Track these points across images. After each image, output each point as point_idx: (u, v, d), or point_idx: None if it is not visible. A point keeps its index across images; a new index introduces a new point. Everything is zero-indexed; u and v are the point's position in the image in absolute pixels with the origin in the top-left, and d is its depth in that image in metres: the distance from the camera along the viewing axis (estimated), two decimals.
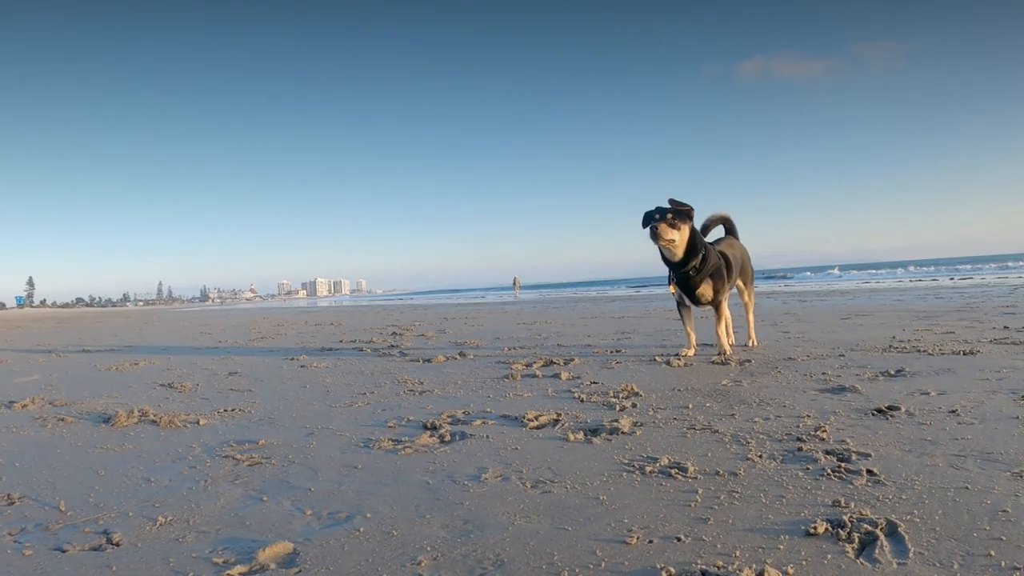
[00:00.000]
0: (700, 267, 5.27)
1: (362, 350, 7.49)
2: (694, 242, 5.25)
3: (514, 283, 57.91)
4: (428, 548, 1.86)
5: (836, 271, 62.07)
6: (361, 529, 2.01)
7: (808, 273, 66.27)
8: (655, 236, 5.12)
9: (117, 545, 1.96)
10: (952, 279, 31.47)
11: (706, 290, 5.32)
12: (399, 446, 2.96)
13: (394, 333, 10.06)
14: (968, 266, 54.71)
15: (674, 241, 5.16)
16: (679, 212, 5.16)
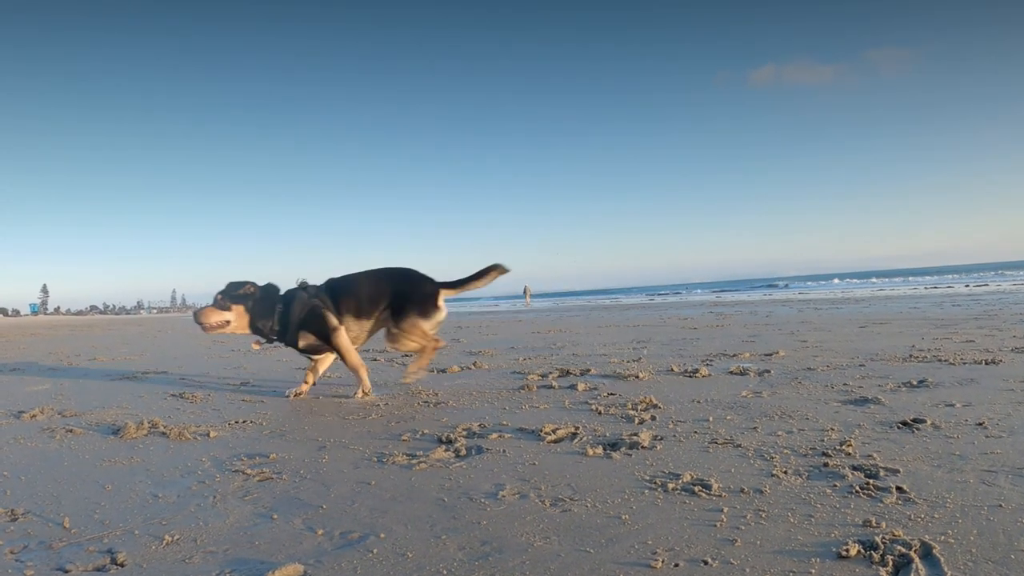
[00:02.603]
0: (281, 326, 4.94)
1: (376, 360, 7.44)
2: (256, 312, 4.93)
3: (525, 292, 57.87)
4: (444, 572, 1.79)
5: (856, 280, 61.52)
6: (374, 551, 1.94)
7: (811, 283, 65.98)
8: (199, 324, 4.89)
9: (121, 566, 1.89)
10: (967, 286, 31.37)
11: (304, 342, 4.94)
12: (413, 461, 2.90)
13: None
14: (992, 272, 54.53)
15: (228, 323, 4.89)
16: (230, 294, 4.92)
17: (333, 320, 4.84)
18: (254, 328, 4.93)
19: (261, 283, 5.01)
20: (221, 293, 4.90)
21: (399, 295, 5.00)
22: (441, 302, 5.04)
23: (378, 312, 5.00)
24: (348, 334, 4.91)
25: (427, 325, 5.00)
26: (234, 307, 4.89)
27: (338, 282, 5.07)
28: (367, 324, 5.01)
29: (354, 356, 4.86)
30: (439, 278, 5.12)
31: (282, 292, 5.02)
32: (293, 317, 4.85)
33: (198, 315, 4.87)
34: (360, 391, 4.78)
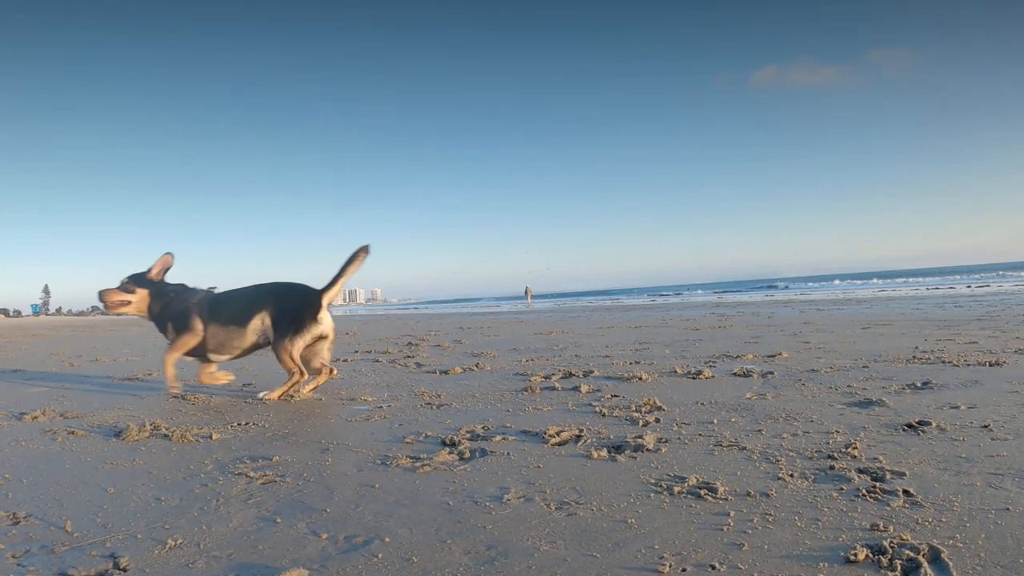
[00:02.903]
0: (160, 313, 5.24)
1: (378, 361, 7.43)
2: (154, 298, 5.26)
3: (526, 292, 57.87)
4: None
5: (876, 281, 61.25)
6: (379, 555, 1.92)
7: (812, 284, 65.98)
8: (102, 303, 5.25)
9: (124, 571, 1.88)
10: (969, 287, 31.34)
11: (170, 335, 5.22)
12: (417, 464, 2.88)
13: (409, 343, 10.01)
14: (994, 273, 54.57)
15: (128, 303, 5.26)
16: (135, 278, 5.29)
17: (196, 324, 5.04)
18: (150, 312, 5.26)
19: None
20: (128, 277, 5.26)
21: (279, 311, 4.95)
22: (323, 312, 4.97)
23: (253, 326, 4.98)
24: (211, 341, 5.06)
25: (301, 343, 4.85)
26: (138, 290, 5.25)
27: (224, 294, 5.28)
28: (237, 337, 5.04)
29: (172, 361, 5.12)
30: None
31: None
32: (171, 309, 5.15)
33: (102, 294, 5.23)
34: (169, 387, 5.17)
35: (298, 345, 4.80)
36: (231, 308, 5.06)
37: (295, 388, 4.85)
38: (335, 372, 5.11)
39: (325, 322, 4.93)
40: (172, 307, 5.16)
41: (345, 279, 5.08)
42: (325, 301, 4.96)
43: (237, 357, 5.22)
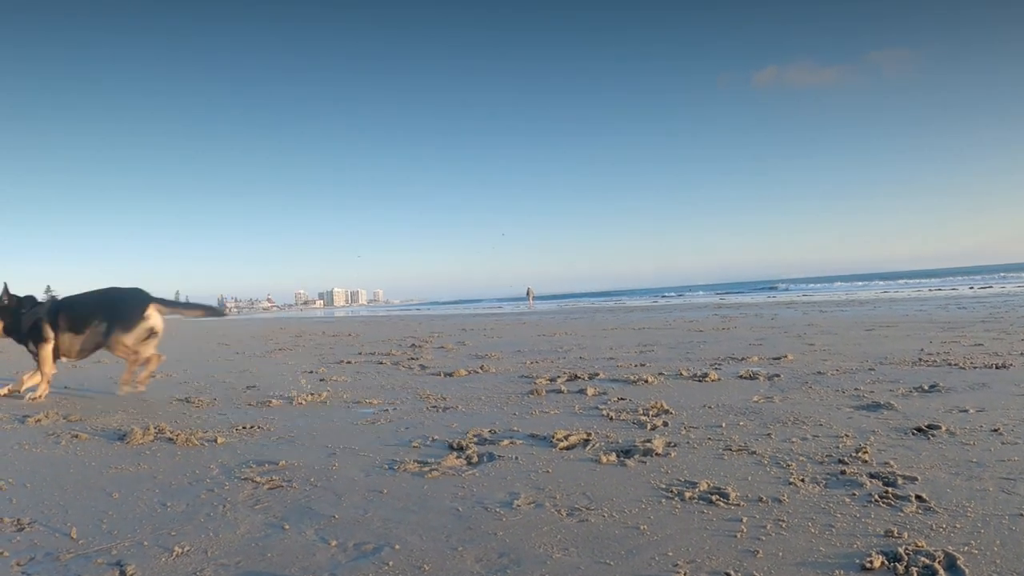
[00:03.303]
0: (16, 330, 5.49)
1: (381, 363, 7.41)
2: (5, 320, 5.49)
3: (528, 293, 57.81)
4: None
5: (880, 282, 61.11)
6: (390, 563, 1.90)
7: (814, 285, 65.89)
8: None
9: None
10: (972, 288, 31.26)
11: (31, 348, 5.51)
12: (425, 468, 2.86)
13: (413, 345, 9.98)
14: (997, 275, 54.49)
15: None
16: None
17: (48, 332, 5.36)
18: (7, 333, 5.53)
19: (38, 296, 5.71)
20: None
21: (109, 313, 5.40)
22: (150, 313, 5.43)
23: (91, 328, 5.40)
24: (62, 346, 5.42)
25: (129, 339, 5.31)
26: None
27: (65, 300, 5.62)
28: (80, 338, 5.44)
29: (48, 368, 5.41)
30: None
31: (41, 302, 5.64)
32: (23, 325, 5.44)
33: None
34: (36, 393, 5.38)
35: (129, 339, 5.30)
36: (75, 315, 5.46)
37: (133, 372, 5.41)
38: (163, 357, 5.65)
39: (153, 319, 5.42)
40: (23, 321, 5.45)
41: (175, 311, 5.77)
42: (152, 308, 5.45)
43: (81, 358, 5.65)
